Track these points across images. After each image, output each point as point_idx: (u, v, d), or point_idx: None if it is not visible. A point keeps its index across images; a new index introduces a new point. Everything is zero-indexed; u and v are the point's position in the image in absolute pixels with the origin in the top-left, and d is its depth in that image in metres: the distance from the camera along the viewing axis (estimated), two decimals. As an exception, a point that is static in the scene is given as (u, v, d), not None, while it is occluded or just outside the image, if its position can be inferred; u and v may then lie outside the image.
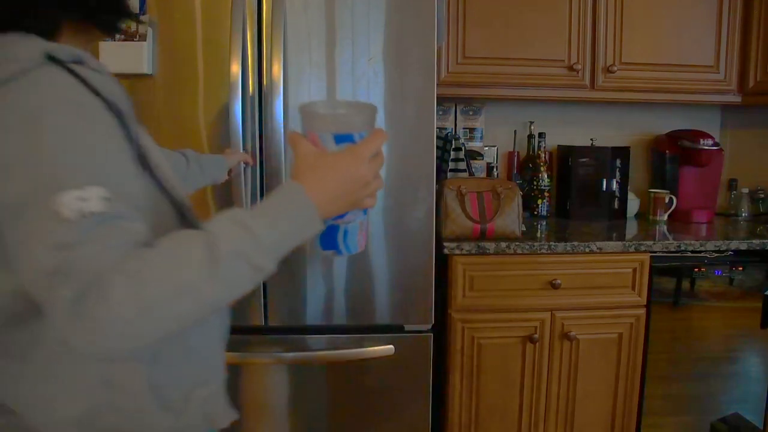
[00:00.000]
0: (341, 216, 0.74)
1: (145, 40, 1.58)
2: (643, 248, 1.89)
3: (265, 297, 1.68)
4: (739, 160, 2.53)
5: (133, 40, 1.59)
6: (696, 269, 1.94)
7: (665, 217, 2.27)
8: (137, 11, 1.55)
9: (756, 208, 2.44)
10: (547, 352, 1.90)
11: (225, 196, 1.59)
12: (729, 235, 2.04)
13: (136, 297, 0.59)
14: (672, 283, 1.95)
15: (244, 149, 1.59)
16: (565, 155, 2.34)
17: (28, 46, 0.67)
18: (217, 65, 1.60)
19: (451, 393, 1.89)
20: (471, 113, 2.36)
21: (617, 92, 2.18)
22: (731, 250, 1.94)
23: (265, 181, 1.63)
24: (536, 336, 1.87)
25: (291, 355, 1.68)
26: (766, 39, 2.14)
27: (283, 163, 1.55)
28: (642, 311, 1.92)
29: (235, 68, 1.55)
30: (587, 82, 2.15)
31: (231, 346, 1.72)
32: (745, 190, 2.43)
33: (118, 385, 0.74)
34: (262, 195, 1.63)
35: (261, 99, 1.61)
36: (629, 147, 2.34)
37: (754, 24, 2.16)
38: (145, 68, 1.59)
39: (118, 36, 1.58)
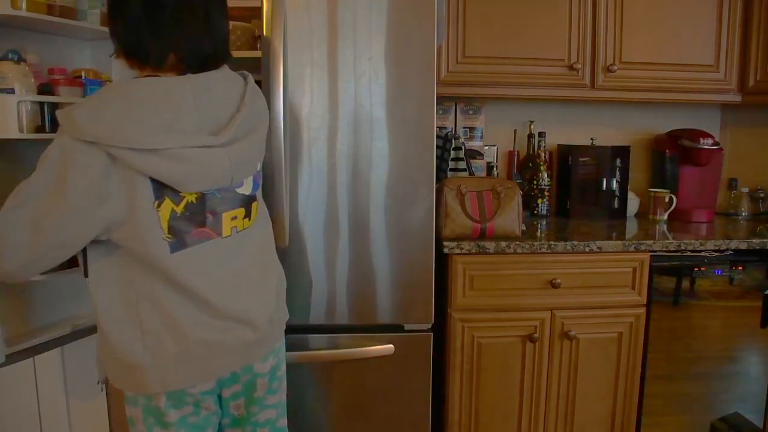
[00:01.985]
0: None
1: None
2: (643, 247, 1.89)
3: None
4: (739, 160, 2.53)
5: None
6: (696, 268, 1.94)
7: (665, 217, 2.28)
8: None
9: (756, 208, 2.44)
10: (547, 352, 1.90)
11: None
12: (729, 234, 2.04)
13: None
14: (672, 282, 1.95)
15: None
16: (565, 154, 2.34)
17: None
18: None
19: (451, 392, 1.89)
20: (471, 112, 2.36)
21: (617, 92, 2.18)
22: (731, 250, 1.94)
23: (266, 180, 1.63)
24: (536, 335, 1.87)
25: (292, 354, 1.68)
26: (766, 39, 2.14)
27: (283, 161, 1.55)
28: (642, 310, 1.92)
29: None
30: (587, 81, 2.15)
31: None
32: (745, 190, 2.43)
33: None
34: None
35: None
36: (629, 146, 2.34)
37: (754, 24, 2.16)
38: None
39: None
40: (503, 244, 1.83)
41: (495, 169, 2.37)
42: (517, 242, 1.84)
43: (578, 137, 2.43)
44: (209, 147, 1.06)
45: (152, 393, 1.13)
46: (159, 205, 1.05)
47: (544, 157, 2.32)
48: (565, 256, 1.86)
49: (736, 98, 2.24)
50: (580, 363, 1.91)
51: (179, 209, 1.08)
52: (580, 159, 2.29)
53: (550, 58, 2.12)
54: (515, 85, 2.13)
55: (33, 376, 1.85)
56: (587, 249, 1.86)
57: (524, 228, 1.95)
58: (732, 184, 2.49)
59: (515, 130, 2.44)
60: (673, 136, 2.38)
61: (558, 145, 2.42)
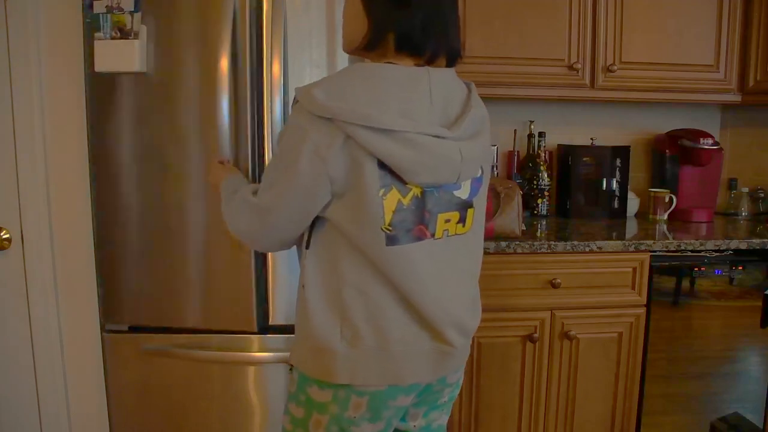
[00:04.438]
0: None
1: (138, 38, 1.58)
2: (643, 247, 1.89)
3: (267, 296, 1.68)
4: (739, 160, 2.53)
5: (127, 38, 1.58)
6: (696, 268, 1.94)
7: (665, 217, 2.28)
8: (132, 8, 1.57)
9: (756, 208, 2.44)
10: (547, 352, 1.90)
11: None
12: (729, 234, 2.04)
13: None
14: (672, 282, 1.95)
15: (243, 148, 1.59)
16: (566, 154, 2.34)
17: None
18: (212, 63, 1.59)
19: (451, 392, 1.89)
20: (471, 112, 2.35)
21: (617, 91, 2.18)
22: (731, 250, 1.94)
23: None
24: (536, 335, 1.87)
25: (291, 354, 1.68)
26: (766, 39, 2.14)
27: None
28: (642, 310, 1.92)
29: (231, 66, 1.56)
30: (587, 81, 2.15)
31: (231, 346, 1.73)
32: (745, 190, 2.43)
33: None
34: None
35: (261, 97, 1.60)
36: (629, 146, 2.34)
37: (754, 24, 2.16)
38: (138, 66, 1.58)
39: (112, 34, 1.58)
40: (503, 243, 1.83)
41: (495, 169, 2.37)
42: (517, 242, 1.84)
43: (578, 137, 2.43)
44: (442, 138, 1.04)
45: (338, 383, 1.07)
46: (385, 194, 1.02)
47: (544, 157, 2.32)
48: (565, 256, 1.86)
49: (736, 98, 2.24)
50: (580, 363, 1.91)
51: (406, 201, 1.04)
52: (580, 159, 2.29)
53: (550, 58, 2.12)
54: (515, 85, 2.13)
55: (33, 376, 1.86)
56: (587, 249, 1.86)
57: (524, 228, 1.95)
58: (732, 184, 2.49)
59: (515, 130, 2.44)
60: (673, 136, 2.38)
61: (558, 145, 2.42)
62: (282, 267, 1.66)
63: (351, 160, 0.99)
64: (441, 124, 1.06)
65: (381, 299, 1.06)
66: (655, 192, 2.30)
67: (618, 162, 2.28)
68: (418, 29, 1.05)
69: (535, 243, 1.84)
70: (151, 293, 1.70)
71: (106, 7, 1.57)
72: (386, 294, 1.06)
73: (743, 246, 1.93)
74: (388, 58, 1.08)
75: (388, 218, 1.03)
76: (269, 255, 1.66)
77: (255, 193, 1.10)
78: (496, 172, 2.37)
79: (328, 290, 1.07)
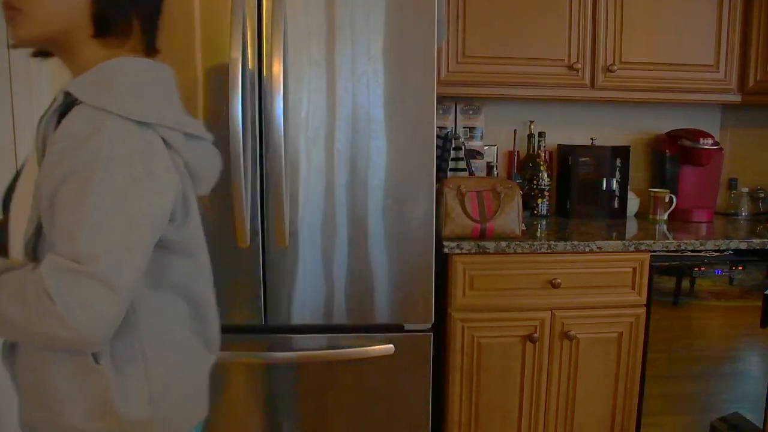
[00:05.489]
0: None
1: None
2: (643, 247, 1.89)
3: (264, 296, 1.68)
4: (739, 160, 2.53)
5: None
6: (696, 268, 1.94)
7: (665, 217, 2.27)
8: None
9: (756, 208, 2.44)
10: (547, 352, 1.90)
11: (225, 191, 1.58)
12: (729, 234, 2.04)
13: None
14: (672, 282, 1.95)
15: (243, 147, 1.59)
16: (565, 154, 2.34)
17: None
18: (216, 63, 1.59)
19: (451, 392, 1.89)
20: (471, 112, 2.36)
21: (617, 91, 2.18)
22: (731, 250, 1.94)
23: (265, 178, 1.63)
24: (536, 335, 1.87)
25: (291, 354, 1.68)
26: (766, 39, 2.14)
27: (283, 160, 1.55)
28: (642, 310, 1.92)
29: (235, 66, 1.55)
30: (587, 81, 2.15)
31: (230, 346, 1.72)
32: (745, 190, 2.43)
33: None
34: (262, 191, 1.63)
35: (261, 97, 1.60)
36: (629, 146, 2.34)
37: (754, 23, 2.16)
38: None
39: None
40: (503, 244, 1.83)
41: (495, 169, 2.37)
42: (517, 242, 1.83)
43: (578, 137, 2.43)
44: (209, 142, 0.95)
45: None
46: None
47: (544, 157, 2.32)
48: (565, 256, 1.86)
49: (736, 98, 2.24)
50: (580, 363, 1.91)
51: None
52: (580, 159, 2.29)
53: (550, 58, 2.12)
54: (515, 85, 2.13)
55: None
56: (587, 249, 1.86)
57: (524, 228, 1.95)
58: (732, 184, 2.49)
59: (515, 130, 2.44)
60: (673, 136, 2.38)
61: (558, 145, 2.42)
62: (288, 265, 1.66)
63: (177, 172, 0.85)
64: None
65: (184, 340, 0.95)
66: (655, 192, 2.30)
67: (618, 162, 2.28)
68: (153, 11, 0.88)
69: (535, 243, 1.84)
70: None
71: None
72: (189, 336, 0.96)
73: (743, 246, 1.93)
74: (128, 51, 0.86)
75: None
76: (274, 252, 1.66)
77: (76, 259, 0.72)
78: (496, 173, 2.37)
79: (127, 353, 0.87)
